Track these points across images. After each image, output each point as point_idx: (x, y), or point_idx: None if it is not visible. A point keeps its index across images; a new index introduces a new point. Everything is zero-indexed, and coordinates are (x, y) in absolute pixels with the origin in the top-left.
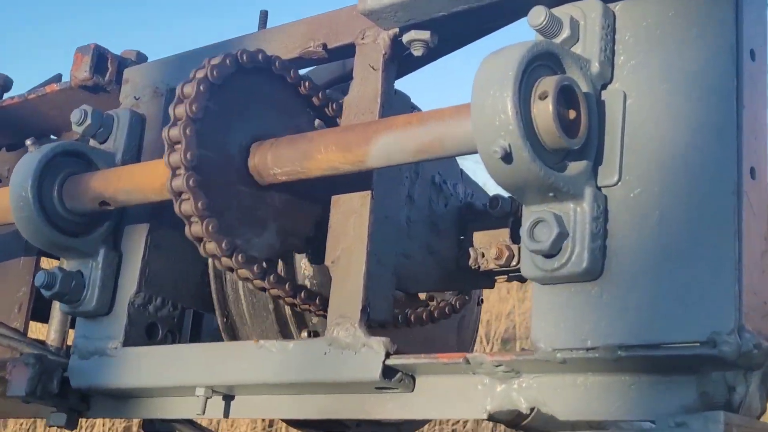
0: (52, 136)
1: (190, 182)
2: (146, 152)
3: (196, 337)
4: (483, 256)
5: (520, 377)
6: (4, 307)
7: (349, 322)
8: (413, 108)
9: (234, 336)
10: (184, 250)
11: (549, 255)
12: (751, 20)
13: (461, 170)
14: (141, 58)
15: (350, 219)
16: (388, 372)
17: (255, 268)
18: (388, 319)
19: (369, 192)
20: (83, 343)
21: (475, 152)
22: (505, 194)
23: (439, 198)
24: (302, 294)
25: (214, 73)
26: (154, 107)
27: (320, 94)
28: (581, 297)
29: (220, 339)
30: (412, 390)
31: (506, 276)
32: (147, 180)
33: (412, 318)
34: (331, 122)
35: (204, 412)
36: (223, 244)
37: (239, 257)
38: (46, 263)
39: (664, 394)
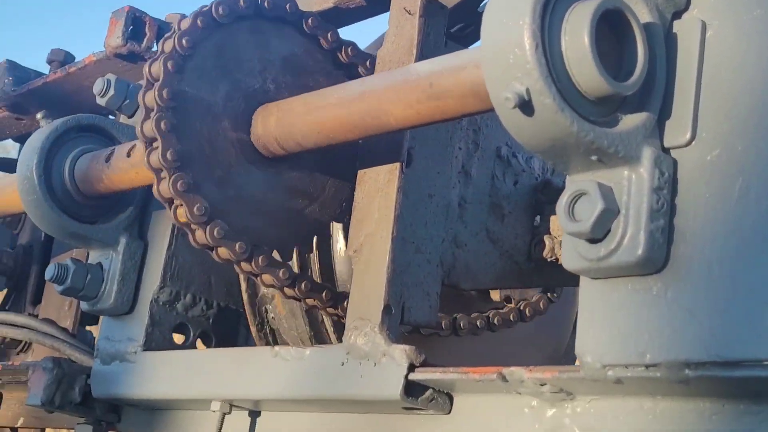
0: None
1: (178, 186)
2: None
3: None
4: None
5: (574, 399)
6: (55, 304)
7: (369, 326)
8: None
9: (267, 338)
10: None
11: (594, 239)
12: None
13: None
14: None
15: (375, 198)
16: (413, 389)
17: (281, 273)
18: (431, 322)
19: (397, 164)
20: (105, 346)
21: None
22: None
23: (506, 174)
24: (346, 303)
25: (183, 42)
26: None
27: (330, 35)
28: (639, 296)
29: None
30: (449, 412)
31: None
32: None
33: (470, 323)
34: (349, 70)
35: (220, 431)
36: (237, 247)
37: (260, 260)
38: None
39: (758, 429)
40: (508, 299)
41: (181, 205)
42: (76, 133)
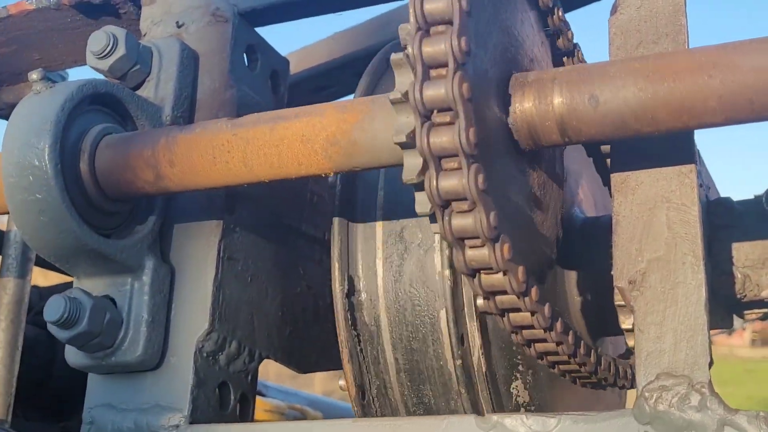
0: None
1: (478, 182)
2: (202, 108)
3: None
4: (749, 278)
5: None
6: None
7: (687, 385)
8: None
9: (367, 408)
10: (264, 265)
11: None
12: None
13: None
14: None
15: (660, 210)
16: None
17: (546, 310)
18: None
19: (691, 167)
20: (108, 419)
21: None
22: None
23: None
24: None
25: None
26: (212, 40)
27: None
28: None
29: None
30: None
31: (767, 310)
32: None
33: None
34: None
35: None
36: (520, 274)
37: (533, 293)
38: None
39: None
40: None
41: (471, 210)
42: (88, 106)
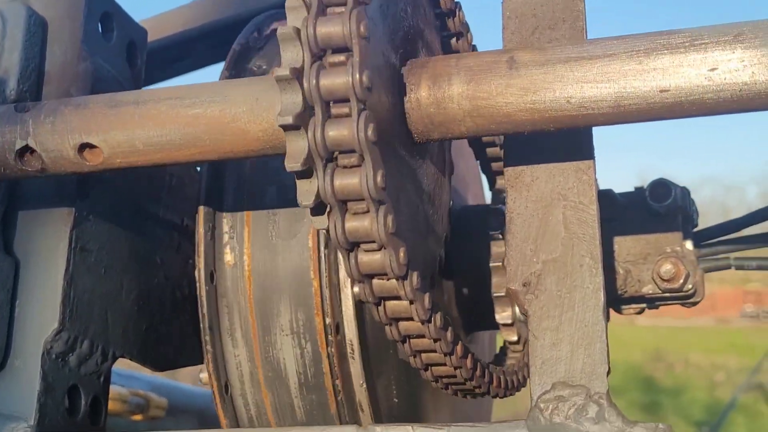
0: None
1: (388, 226)
2: (52, 82)
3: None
4: (630, 273)
5: None
6: None
7: (584, 395)
8: None
9: (230, 403)
10: (120, 255)
11: None
12: None
13: None
14: None
15: (557, 208)
16: None
17: (426, 299)
18: None
19: (590, 162)
20: None
21: None
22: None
23: None
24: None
25: None
26: (63, 7)
27: None
28: None
29: None
30: None
31: (645, 306)
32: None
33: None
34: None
35: None
36: (401, 255)
37: (414, 278)
38: None
39: None
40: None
41: (377, 249)
42: None
